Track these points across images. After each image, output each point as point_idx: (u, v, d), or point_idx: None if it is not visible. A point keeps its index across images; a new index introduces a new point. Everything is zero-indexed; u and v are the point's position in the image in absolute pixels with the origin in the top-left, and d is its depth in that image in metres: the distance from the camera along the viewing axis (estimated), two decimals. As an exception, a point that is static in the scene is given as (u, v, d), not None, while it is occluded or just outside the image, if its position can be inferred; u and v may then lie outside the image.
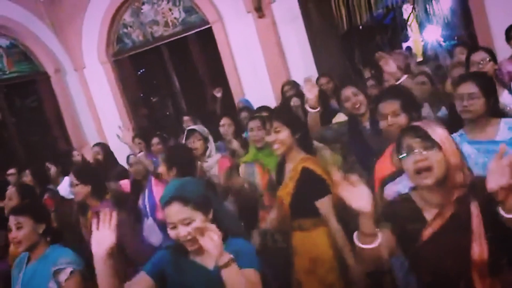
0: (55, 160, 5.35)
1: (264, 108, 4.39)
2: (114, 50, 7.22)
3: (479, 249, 1.65)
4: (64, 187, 4.61)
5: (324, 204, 2.62)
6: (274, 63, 6.17)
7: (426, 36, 12.71)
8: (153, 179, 3.85)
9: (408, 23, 11.94)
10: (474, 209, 1.66)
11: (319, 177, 2.64)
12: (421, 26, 12.51)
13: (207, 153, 3.82)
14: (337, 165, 3.35)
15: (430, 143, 1.71)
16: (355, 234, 1.72)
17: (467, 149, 2.46)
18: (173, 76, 7.21)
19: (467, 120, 2.57)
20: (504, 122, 2.54)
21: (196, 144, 3.78)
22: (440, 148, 1.70)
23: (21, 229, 2.47)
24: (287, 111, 3.67)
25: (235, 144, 4.13)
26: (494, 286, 1.69)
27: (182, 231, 1.83)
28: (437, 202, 1.77)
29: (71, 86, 7.32)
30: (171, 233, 1.86)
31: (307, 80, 3.30)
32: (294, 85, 5.37)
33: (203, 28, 6.59)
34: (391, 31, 11.64)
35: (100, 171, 4.06)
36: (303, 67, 6.04)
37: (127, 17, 7.02)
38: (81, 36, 7.20)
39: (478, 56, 3.38)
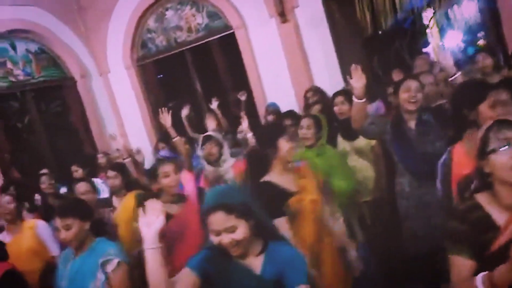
0: (82, 163, 5.46)
1: (290, 113, 4.44)
2: (138, 55, 7.33)
3: None
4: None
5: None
6: (297, 68, 6.21)
7: (446, 41, 12.64)
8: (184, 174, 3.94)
9: (429, 28, 11.86)
10: None
11: None
12: (441, 31, 12.44)
13: (222, 158, 3.91)
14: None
15: None
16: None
17: None
18: (196, 80, 7.28)
19: None
20: None
21: (213, 149, 3.87)
22: None
23: (70, 230, 2.56)
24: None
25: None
26: None
27: (225, 239, 1.83)
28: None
29: (96, 90, 7.44)
30: (214, 239, 1.86)
31: (354, 69, 3.11)
32: (317, 91, 5.41)
33: (226, 33, 6.67)
34: (410, 36, 11.59)
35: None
36: (327, 72, 6.07)
37: (151, 23, 7.13)
38: (106, 41, 7.33)
39: None
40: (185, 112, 5.97)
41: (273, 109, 5.54)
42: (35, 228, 3.52)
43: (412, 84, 3.18)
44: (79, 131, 7.38)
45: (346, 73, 5.84)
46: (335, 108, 3.95)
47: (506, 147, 1.64)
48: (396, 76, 5.37)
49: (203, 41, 6.91)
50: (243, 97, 6.08)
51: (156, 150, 5.91)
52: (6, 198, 3.60)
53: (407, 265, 3.52)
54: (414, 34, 11.53)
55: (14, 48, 6.50)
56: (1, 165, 5.98)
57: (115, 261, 2.52)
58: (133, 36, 7.17)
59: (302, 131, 3.55)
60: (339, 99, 3.92)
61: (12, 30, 6.37)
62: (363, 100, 3.14)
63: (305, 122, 3.58)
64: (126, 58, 7.29)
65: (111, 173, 4.03)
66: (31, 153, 7.09)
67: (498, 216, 1.68)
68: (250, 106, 6.34)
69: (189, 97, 7.31)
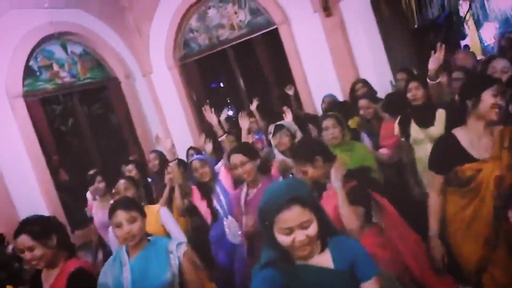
0: (136, 163, 5.49)
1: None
2: (181, 55, 7.38)
3: None
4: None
5: None
6: (342, 62, 6.15)
7: (483, 33, 12.43)
8: (222, 172, 3.99)
9: (465, 20, 11.68)
10: None
11: None
12: (477, 23, 12.24)
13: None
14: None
15: None
16: None
17: None
18: (239, 77, 7.29)
19: None
20: None
21: (284, 139, 3.84)
22: None
23: (134, 223, 2.56)
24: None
25: None
26: None
27: (300, 236, 1.73)
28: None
29: (140, 90, 7.52)
30: (284, 239, 1.74)
31: (439, 48, 3.43)
32: (365, 83, 5.35)
33: (269, 29, 6.66)
34: (446, 29, 11.42)
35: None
36: (373, 65, 6.00)
37: (193, 22, 7.17)
38: (149, 42, 7.40)
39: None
40: (291, 91, 6.06)
41: (329, 99, 5.52)
42: (158, 213, 3.58)
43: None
44: (123, 131, 7.46)
45: (394, 65, 5.87)
46: (409, 95, 3.81)
47: None
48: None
49: (246, 38, 6.91)
50: (290, 91, 6.05)
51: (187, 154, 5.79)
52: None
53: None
54: (450, 27, 11.37)
55: (65, 49, 6.61)
56: (50, 167, 6.07)
57: (184, 245, 2.59)
58: (176, 35, 7.22)
59: (327, 132, 3.67)
60: (413, 84, 3.78)
61: (60, 33, 6.48)
62: (437, 80, 3.46)
63: (328, 122, 3.69)
64: (168, 58, 7.34)
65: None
66: (78, 155, 7.22)
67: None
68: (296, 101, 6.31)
69: (231, 95, 7.32)
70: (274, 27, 6.56)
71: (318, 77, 6.38)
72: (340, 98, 5.91)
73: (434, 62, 3.41)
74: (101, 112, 7.46)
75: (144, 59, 7.50)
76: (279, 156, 3.89)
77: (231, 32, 6.95)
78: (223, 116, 5.91)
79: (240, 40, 6.93)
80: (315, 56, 6.35)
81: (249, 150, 3.30)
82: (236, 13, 6.83)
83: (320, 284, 1.81)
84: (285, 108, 4.69)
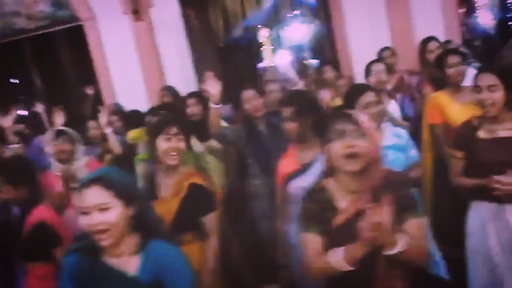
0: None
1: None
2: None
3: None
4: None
5: (211, 219, 2.59)
6: (150, 67, 6.11)
7: (276, 60, 13.65)
8: None
9: (263, 45, 12.69)
10: (385, 201, 1.62)
11: (208, 192, 2.66)
12: (274, 49, 13.42)
13: (75, 156, 3.62)
14: (219, 173, 3.49)
15: (361, 131, 1.81)
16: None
17: None
18: (35, 73, 6.65)
19: None
20: (388, 128, 2.87)
21: (64, 146, 3.56)
22: (368, 138, 1.81)
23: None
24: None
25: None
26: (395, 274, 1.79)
27: (96, 219, 1.62)
28: (354, 189, 1.85)
29: None
30: (82, 220, 1.65)
31: (209, 76, 3.43)
32: (172, 91, 5.38)
33: (73, 24, 6.24)
34: (246, 52, 12.27)
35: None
36: (180, 74, 6.07)
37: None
38: None
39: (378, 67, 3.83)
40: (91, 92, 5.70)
41: (115, 109, 5.36)
42: None
43: (247, 94, 3.50)
44: None
45: (200, 77, 6.04)
46: (188, 110, 3.96)
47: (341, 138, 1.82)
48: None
49: (45, 31, 6.36)
50: (91, 91, 5.75)
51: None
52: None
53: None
54: (250, 50, 12.26)
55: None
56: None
57: None
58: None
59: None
60: (192, 101, 3.95)
61: None
62: (219, 105, 3.45)
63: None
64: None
65: None
66: None
67: (338, 198, 1.88)
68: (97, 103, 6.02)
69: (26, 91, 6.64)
70: (79, 23, 6.18)
71: (124, 80, 6.19)
72: (145, 102, 5.84)
73: (214, 87, 3.41)
74: None
75: None
76: (57, 165, 3.58)
77: (28, 22, 6.31)
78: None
79: (38, 33, 6.35)
80: (122, 58, 6.16)
81: None
82: (36, 2, 6.25)
83: None
84: (100, 108, 4.43)
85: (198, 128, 3.82)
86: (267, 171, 3.31)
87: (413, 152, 2.86)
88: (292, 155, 2.74)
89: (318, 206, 1.87)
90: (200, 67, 6.19)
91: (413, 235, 1.71)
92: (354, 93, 2.87)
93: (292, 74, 3.48)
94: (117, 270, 1.71)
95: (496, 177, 2.34)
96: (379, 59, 4.46)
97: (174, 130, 2.57)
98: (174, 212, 2.52)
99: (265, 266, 3.25)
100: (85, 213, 1.64)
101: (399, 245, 1.63)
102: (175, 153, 2.55)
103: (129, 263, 1.72)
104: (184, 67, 6.11)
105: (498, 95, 2.48)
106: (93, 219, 1.62)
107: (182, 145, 2.61)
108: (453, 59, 3.40)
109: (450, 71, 3.39)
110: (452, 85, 3.49)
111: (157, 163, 2.64)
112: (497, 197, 2.42)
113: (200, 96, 3.96)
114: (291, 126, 2.63)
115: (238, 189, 3.82)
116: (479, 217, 2.58)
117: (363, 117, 1.87)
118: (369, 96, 2.77)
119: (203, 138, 3.82)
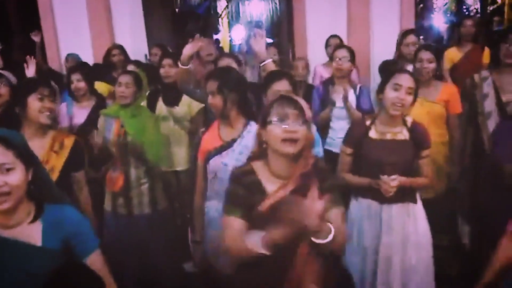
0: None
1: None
2: None
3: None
4: None
5: (81, 176, 2.73)
6: (99, 23, 5.81)
7: (233, 34, 13.52)
8: None
9: (221, 16, 12.51)
10: (313, 187, 1.62)
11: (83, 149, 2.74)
12: (230, 22, 13.25)
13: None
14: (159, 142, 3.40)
15: (303, 117, 1.80)
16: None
17: None
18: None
19: None
20: None
21: (1, 90, 3.25)
22: (307, 124, 1.81)
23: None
24: None
25: None
26: (314, 262, 1.80)
27: None
28: (284, 174, 1.84)
29: None
30: None
31: (196, 38, 3.42)
32: (123, 50, 5.19)
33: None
34: (203, 21, 12.05)
35: None
36: (130, 35, 5.83)
37: None
38: None
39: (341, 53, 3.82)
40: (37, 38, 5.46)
41: (72, 58, 5.23)
42: None
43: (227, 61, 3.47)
44: None
45: (151, 42, 5.83)
46: (162, 70, 3.82)
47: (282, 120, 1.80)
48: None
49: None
50: (37, 38, 5.44)
51: None
52: None
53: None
54: (207, 20, 12.04)
55: None
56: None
57: None
58: None
59: (119, 89, 3.20)
60: (168, 61, 3.81)
61: None
62: (188, 66, 3.40)
63: (124, 78, 3.23)
64: None
65: None
66: None
67: (267, 182, 1.86)
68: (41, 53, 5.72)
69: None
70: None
71: (70, 33, 5.88)
72: (91, 57, 5.63)
73: (189, 48, 3.37)
74: None
75: None
76: None
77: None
78: None
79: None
80: (70, 12, 5.84)
81: None
82: None
83: (21, 263, 1.56)
84: (28, 57, 4.17)
85: (168, 90, 3.78)
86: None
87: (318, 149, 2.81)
88: (214, 131, 2.69)
89: (245, 189, 1.85)
90: (152, 31, 5.99)
91: (337, 225, 1.72)
92: (269, 78, 2.84)
93: (261, 47, 3.36)
94: (20, 242, 1.57)
95: (383, 178, 2.53)
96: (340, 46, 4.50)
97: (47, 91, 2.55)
98: (58, 169, 2.55)
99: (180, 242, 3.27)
100: None
101: (331, 234, 1.63)
102: (48, 112, 2.54)
103: (30, 233, 1.59)
104: (136, 30, 5.89)
105: (411, 99, 2.58)
106: None
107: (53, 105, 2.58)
108: (426, 54, 3.39)
109: (418, 65, 3.41)
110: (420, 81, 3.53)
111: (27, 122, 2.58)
112: (379, 196, 2.60)
113: (176, 58, 3.74)
114: (214, 101, 2.58)
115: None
116: (359, 213, 2.76)
117: (305, 103, 1.84)
118: (283, 84, 2.73)
119: (171, 103, 3.78)
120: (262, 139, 1.87)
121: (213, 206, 2.57)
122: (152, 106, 3.75)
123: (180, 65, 3.42)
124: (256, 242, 1.67)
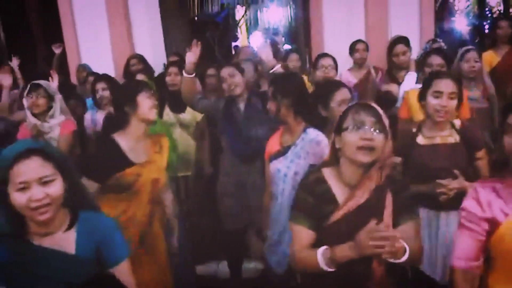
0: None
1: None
2: None
3: None
4: None
5: None
6: (119, 34, 5.90)
7: (251, 41, 13.55)
8: None
9: (239, 24, 12.56)
10: (388, 200, 1.63)
11: None
12: (249, 30, 13.30)
13: (50, 113, 3.56)
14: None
15: (381, 126, 1.74)
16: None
17: None
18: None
19: None
20: None
21: (38, 101, 3.49)
22: (385, 133, 1.74)
23: None
24: None
25: None
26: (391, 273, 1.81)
27: (38, 194, 1.49)
28: (354, 183, 1.78)
29: None
30: (19, 198, 1.49)
31: (194, 44, 3.38)
32: (141, 59, 5.27)
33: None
34: (222, 29, 12.12)
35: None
36: (150, 45, 5.91)
37: None
38: None
39: (327, 61, 3.81)
40: (58, 50, 5.55)
41: (82, 68, 5.37)
42: None
43: (223, 72, 3.40)
44: None
45: (170, 50, 5.89)
46: (167, 78, 3.92)
47: (359, 127, 1.75)
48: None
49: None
50: (58, 50, 5.56)
51: None
52: None
53: (217, 240, 3.70)
54: (226, 28, 12.11)
55: None
56: None
57: None
58: None
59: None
60: (174, 69, 3.89)
61: None
62: (192, 75, 3.38)
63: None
64: None
65: None
66: None
67: (338, 191, 1.81)
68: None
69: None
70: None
71: (91, 43, 5.98)
72: (112, 68, 5.71)
73: (191, 56, 3.36)
74: None
75: None
76: (31, 119, 3.52)
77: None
78: None
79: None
80: (91, 23, 5.93)
81: None
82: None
83: (56, 270, 1.58)
84: (52, 71, 4.32)
85: (174, 98, 3.82)
86: (237, 152, 3.32)
87: None
88: (277, 135, 2.77)
89: (314, 198, 1.80)
90: (170, 39, 6.05)
91: (412, 239, 1.69)
92: (329, 88, 2.85)
93: (268, 55, 3.40)
94: (56, 250, 1.59)
95: (440, 181, 2.39)
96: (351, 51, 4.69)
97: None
98: (164, 168, 2.74)
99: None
100: (22, 188, 1.49)
101: (407, 254, 1.60)
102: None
103: (64, 241, 1.62)
104: (155, 39, 5.96)
105: (454, 103, 2.50)
106: (34, 194, 1.49)
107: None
108: (436, 59, 3.36)
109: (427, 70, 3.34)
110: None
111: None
112: (436, 204, 2.48)
113: (181, 66, 3.82)
114: (270, 106, 2.66)
115: (207, 164, 3.87)
116: None
117: (382, 111, 1.78)
118: (344, 93, 2.76)
119: (177, 109, 3.84)
120: (336, 146, 1.83)
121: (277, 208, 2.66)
122: (159, 113, 3.79)
123: (184, 74, 3.40)
124: (320, 259, 1.66)
